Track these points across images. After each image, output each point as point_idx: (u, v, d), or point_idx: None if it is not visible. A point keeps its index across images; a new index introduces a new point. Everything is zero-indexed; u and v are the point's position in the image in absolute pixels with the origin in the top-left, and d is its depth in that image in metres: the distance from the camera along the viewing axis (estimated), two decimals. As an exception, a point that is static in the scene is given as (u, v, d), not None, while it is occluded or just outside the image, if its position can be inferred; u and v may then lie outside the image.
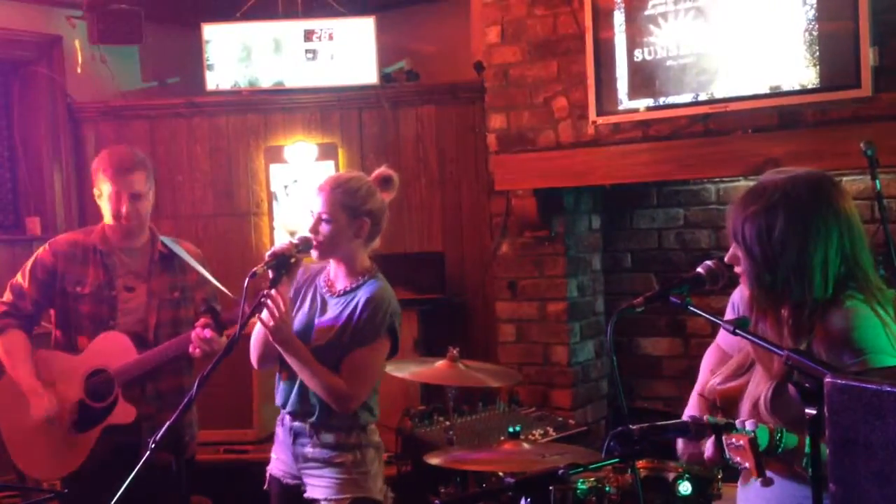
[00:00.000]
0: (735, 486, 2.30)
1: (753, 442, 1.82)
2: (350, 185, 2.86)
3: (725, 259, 2.08)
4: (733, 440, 1.86)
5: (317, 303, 2.92)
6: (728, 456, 1.89)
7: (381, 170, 2.96)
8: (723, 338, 2.27)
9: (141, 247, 3.39)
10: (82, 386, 3.28)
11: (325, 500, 2.83)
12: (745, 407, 2.03)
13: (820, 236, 1.97)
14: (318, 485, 2.85)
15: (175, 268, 3.40)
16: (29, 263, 3.37)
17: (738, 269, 2.08)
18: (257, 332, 2.88)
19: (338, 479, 2.83)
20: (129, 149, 3.45)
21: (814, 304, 1.98)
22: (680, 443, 2.18)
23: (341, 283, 2.91)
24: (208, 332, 3.15)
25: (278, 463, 2.97)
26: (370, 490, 2.88)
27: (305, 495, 2.89)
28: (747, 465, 1.84)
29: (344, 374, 2.80)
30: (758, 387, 2.02)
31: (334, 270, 2.94)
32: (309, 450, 2.87)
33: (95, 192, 3.36)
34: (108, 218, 3.34)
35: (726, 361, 2.21)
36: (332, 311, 2.88)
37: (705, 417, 1.94)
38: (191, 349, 3.20)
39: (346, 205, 2.82)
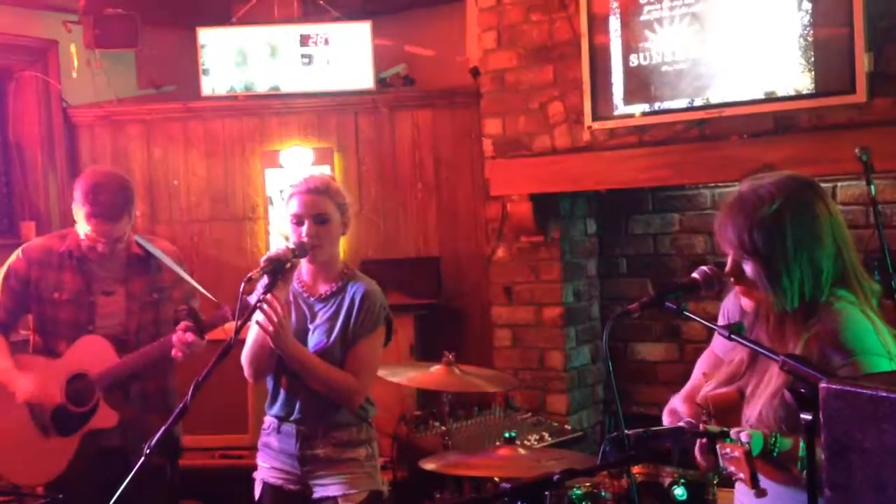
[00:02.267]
0: (730, 491, 2.30)
1: (748, 454, 1.82)
2: (334, 184, 2.95)
3: (727, 272, 2.08)
4: (728, 450, 1.86)
5: (303, 309, 2.93)
6: (722, 465, 1.89)
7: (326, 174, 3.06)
8: (718, 344, 2.28)
9: (116, 250, 3.36)
10: (63, 390, 3.27)
11: (343, 496, 2.85)
12: (752, 411, 2.03)
13: (825, 234, 2.02)
14: (333, 482, 2.87)
15: (152, 268, 3.39)
16: (1, 272, 3.33)
17: (739, 283, 2.07)
18: (249, 347, 2.88)
19: (353, 473, 2.87)
20: (116, 185, 3.24)
21: (817, 303, 2.01)
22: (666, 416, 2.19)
23: (324, 287, 2.93)
24: (190, 336, 3.16)
25: (273, 471, 2.96)
26: (379, 482, 2.96)
27: (316, 496, 2.89)
28: (742, 475, 1.84)
29: (350, 368, 2.85)
30: (766, 389, 2.02)
31: (310, 275, 2.95)
32: (321, 451, 2.87)
33: (74, 207, 3.27)
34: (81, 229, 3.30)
35: (720, 367, 2.22)
36: (323, 315, 2.90)
37: (701, 426, 1.95)
38: (173, 353, 3.20)
39: (337, 203, 2.89)
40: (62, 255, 3.30)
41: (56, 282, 3.29)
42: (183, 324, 3.23)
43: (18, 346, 3.42)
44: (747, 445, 1.83)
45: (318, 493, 2.89)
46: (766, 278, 2.02)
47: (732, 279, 2.08)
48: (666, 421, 2.17)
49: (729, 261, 2.09)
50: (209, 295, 3.43)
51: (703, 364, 2.30)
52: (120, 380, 3.27)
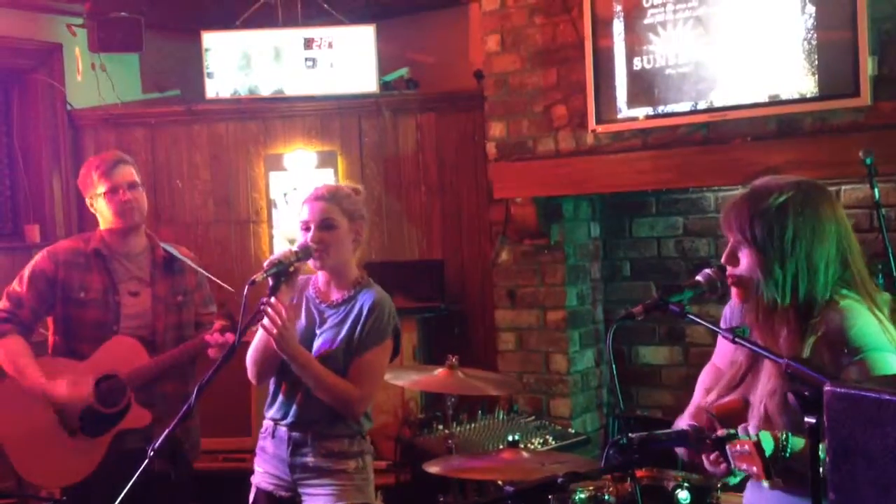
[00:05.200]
0: (734, 495, 2.30)
1: (758, 445, 1.83)
2: (344, 192, 2.94)
3: (722, 258, 2.09)
4: (737, 447, 1.86)
5: (313, 314, 2.93)
6: (734, 465, 1.89)
7: (350, 184, 3.06)
8: (719, 357, 2.28)
9: (141, 252, 3.40)
10: (92, 391, 3.27)
11: None
12: (754, 414, 2.03)
13: (826, 236, 2.02)
14: (320, 493, 2.85)
15: (176, 271, 3.42)
16: (27, 271, 3.34)
17: (734, 271, 2.08)
18: (254, 348, 2.88)
19: (341, 485, 2.85)
20: (112, 151, 3.56)
21: (814, 303, 2.01)
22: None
23: (336, 294, 2.93)
24: (230, 336, 3.18)
25: (267, 476, 2.96)
26: (370, 496, 2.92)
27: None
28: (755, 469, 1.84)
29: (353, 378, 2.84)
30: (764, 388, 2.02)
31: (325, 281, 2.96)
32: (310, 459, 2.86)
33: (89, 201, 3.36)
34: (106, 221, 3.33)
35: (722, 379, 2.22)
36: (332, 321, 2.90)
37: (712, 435, 1.95)
38: (210, 353, 3.23)
39: (345, 210, 2.88)
40: (88, 255, 3.34)
41: (81, 282, 3.31)
42: (218, 324, 3.28)
43: (36, 347, 3.41)
44: (756, 437, 1.83)
45: (307, 501, 2.88)
46: (760, 267, 2.02)
47: (726, 263, 2.09)
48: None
49: (728, 250, 2.09)
50: (233, 290, 3.46)
51: (705, 378, 2.30)
52: (150, 380, 3.28)
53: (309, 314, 2.93)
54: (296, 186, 5.25)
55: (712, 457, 1.98)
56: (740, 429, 1.91)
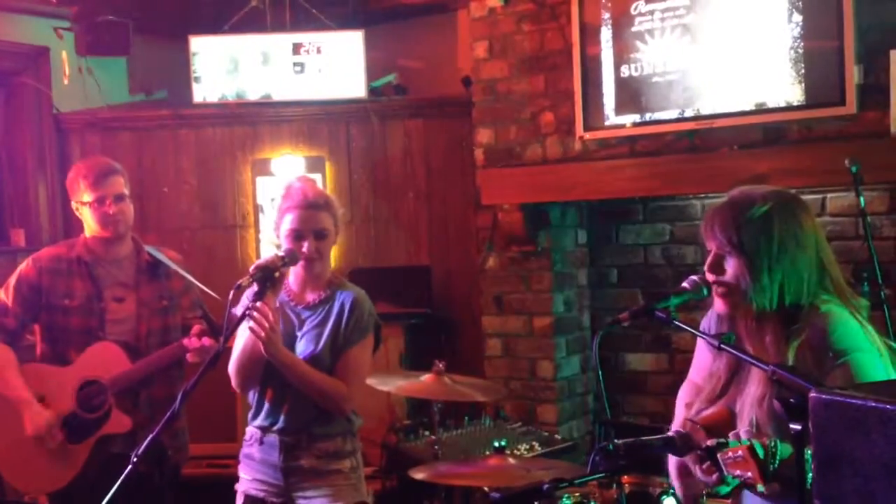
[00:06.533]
0: (720, 503, 2.30)
1: (752, 449, 1.83)
2: (330, 197, 2.98)
3: (707, 265, 2.10)
4: (730, 454, 1.86)
5: (290, 318, 2.93)
6: (727, 473, 1.89)
7: (318, 184, 3.08)
8: (696, 371, 2.29)
9: (126, 257, 3.39)
10: (74, 397, 3.26)
11: None
12: (743, 421, 2.04)
13: (807, 244, 2.06)
14: (317, 495, 2.85)
15: (161, 276, 3.41)
16: (12, 280, 3.35)
17: (720, 278, 2.08)
18: (239, 356, 2.87)
19: (338, 485, 2.87)
20: (103, 157, 3.51)
21: (798, 309, 2.04)
22: (675, 478, 2.19)
23: (311, 295, 2.94)
24: (206, 340, 3.18)
25: (256, 483, 2.95)
26: (363, 493, 2.95)
27: None
28: (749, 474, 1.83)
29: (339, 374, 2.86)
30: (752, 396, 2.03)
31: (299, 283, 2.96)
32: (305, 462, 2.86)
33: (75, 205, 3.35)
34: (91, 229, 3.33)
35: (702, 394, 2.23)
36: (311, 323, 2.91)
37: (703, 445, 1.95)
38: (188, 357, 3.22)
39: (333, 216, 2.93)
40: (71, 262, 3.33)
41: (66, 289, 3.30)
42: (197, 328, 3.26)
43: (25, 351, 3.40)
44: (749, 442, 1.84)
45: None
46: (748, 274, 2.05)
47: (710, 272, 2.10)
48: (672, 469, 2.19)
49: (711, 257, 2.11)
50: (219, 298, 3.44)
51: (684, 394, 2.31)
52: (132, 385, 3.27)
53: (286, 318, 2.93)
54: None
55: (704, 466, 1.98)
56: (731, 436, 1.91)
